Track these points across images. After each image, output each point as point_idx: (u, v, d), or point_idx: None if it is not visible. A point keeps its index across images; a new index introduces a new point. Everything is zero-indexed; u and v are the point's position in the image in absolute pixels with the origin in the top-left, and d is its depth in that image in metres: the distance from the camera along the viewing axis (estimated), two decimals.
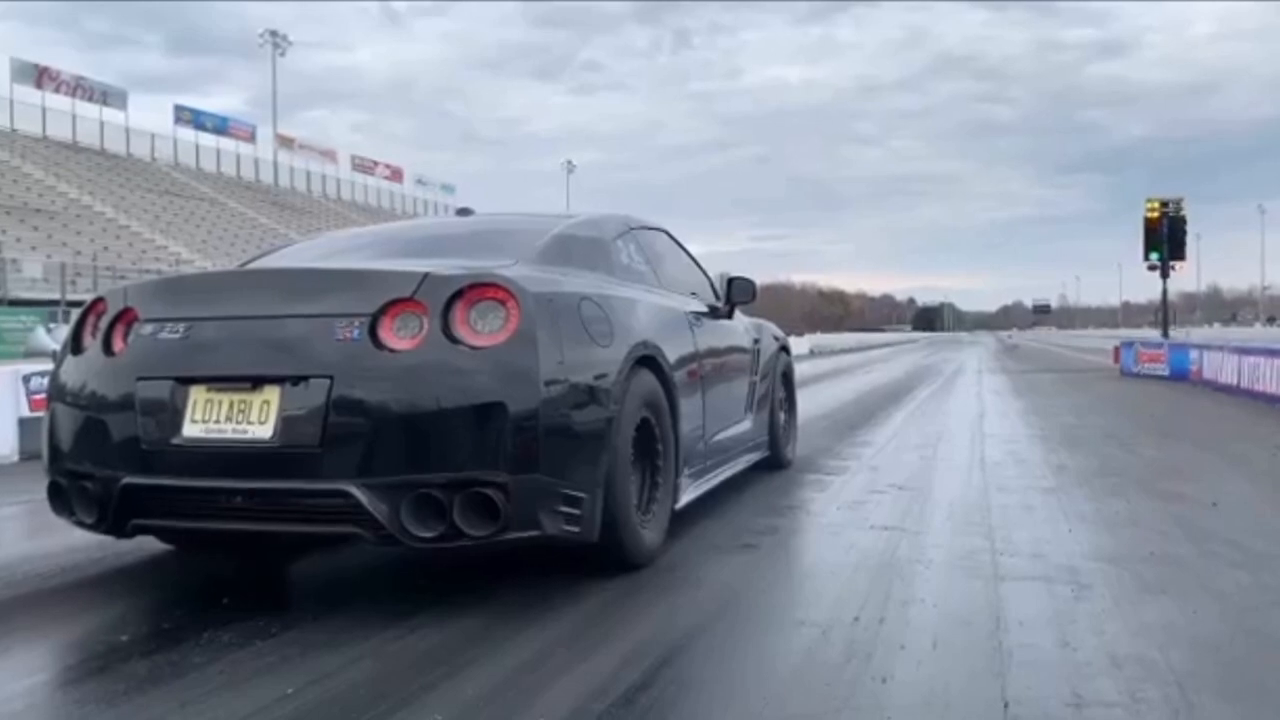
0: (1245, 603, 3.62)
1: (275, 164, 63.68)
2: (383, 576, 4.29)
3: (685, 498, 4.66)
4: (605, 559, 3.92)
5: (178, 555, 4.60)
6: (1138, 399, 14.34)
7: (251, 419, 3.39)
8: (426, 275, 3.52)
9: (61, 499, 3.83)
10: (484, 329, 3.46)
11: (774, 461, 6.89)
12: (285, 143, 64.37)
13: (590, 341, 3.75)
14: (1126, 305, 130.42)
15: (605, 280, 4.37)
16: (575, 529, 3.60)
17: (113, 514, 3.61)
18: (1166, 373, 18.13)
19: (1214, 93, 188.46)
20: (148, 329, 3.67)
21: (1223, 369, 15.00)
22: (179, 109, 60.06)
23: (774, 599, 3.90)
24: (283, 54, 63.28)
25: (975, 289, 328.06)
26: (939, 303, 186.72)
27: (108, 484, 3.58)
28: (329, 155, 65.69)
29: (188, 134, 59.69)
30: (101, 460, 3.63)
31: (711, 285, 6.11)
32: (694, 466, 4.87)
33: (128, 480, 3.54)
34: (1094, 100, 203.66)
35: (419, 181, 72.27)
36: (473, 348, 3.42)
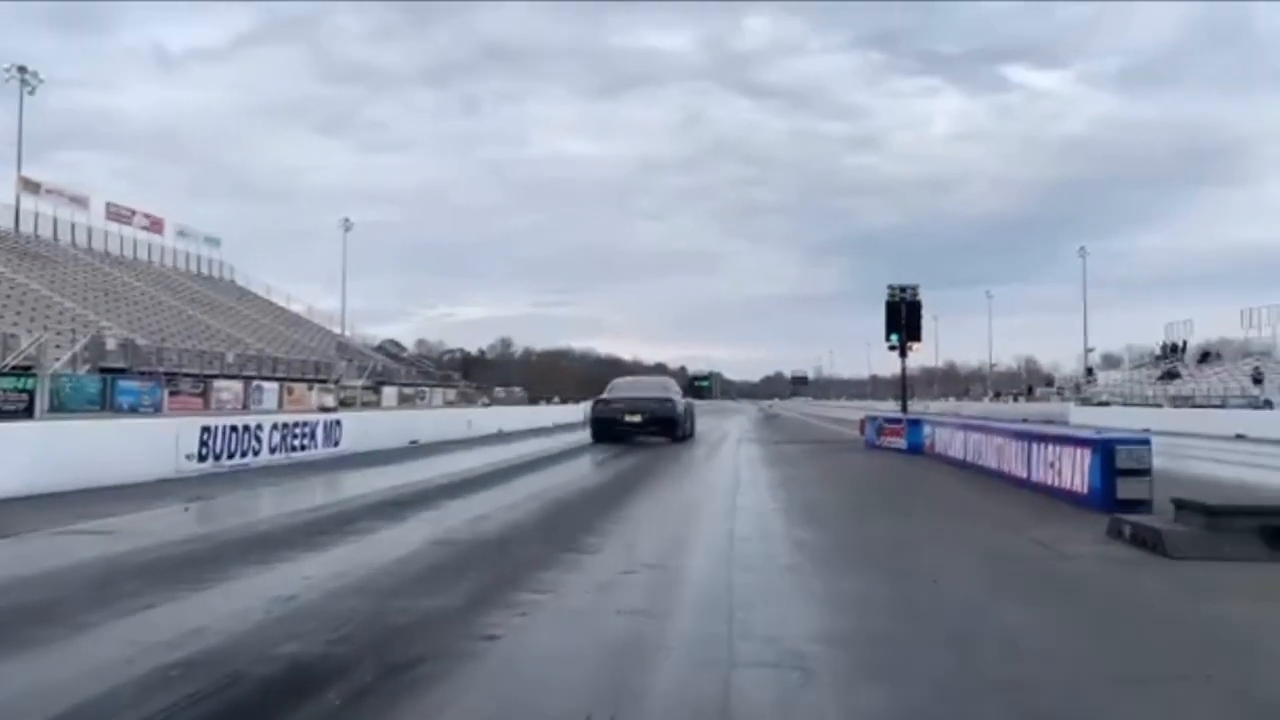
0: (955, 688, 3.84)
1: (17, 209, 58.25)
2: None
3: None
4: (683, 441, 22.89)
5: None
6: (876, 472, 15.27)
7: (634, 418, 22.26)
8: (667, 396, 23.36)
9: (593, 431, 23.54)
10: (677, 402, 23.50)
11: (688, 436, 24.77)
12: (30, 186, 59.06)
13: (683, 402, 24.69)
14: (874, 378, 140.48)
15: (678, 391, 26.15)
16: (685, 435, 23.46)
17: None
18: (905, 446, 19.48)
19: (951, 187, 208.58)
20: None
21: (952, 444, 16.29)
22: None
23: (504, 694, 3.78)
24: (31, 91, 58.36)
25: (741, 359, 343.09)
26: (708, 372, 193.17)
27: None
28: (80, 202, 60.76)
29: None
30: (606, 427, 22.64)
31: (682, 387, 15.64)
32: (688, 424, 24.68)
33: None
34: (848, 189, 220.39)
35: (181, 233, 67.87)
36: (674, 403, 22.97)
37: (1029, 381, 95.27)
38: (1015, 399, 66.51)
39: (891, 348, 23.52)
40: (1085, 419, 41.89)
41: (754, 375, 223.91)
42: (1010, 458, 12.70)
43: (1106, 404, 48.22)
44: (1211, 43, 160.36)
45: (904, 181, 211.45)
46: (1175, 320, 57.66)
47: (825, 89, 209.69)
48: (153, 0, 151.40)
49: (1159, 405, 42.45)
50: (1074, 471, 10.37)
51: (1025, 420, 46.31)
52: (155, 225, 65.25)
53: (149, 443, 14.34)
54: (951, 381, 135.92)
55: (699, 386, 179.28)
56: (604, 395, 23.58)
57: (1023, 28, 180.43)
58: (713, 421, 45.13)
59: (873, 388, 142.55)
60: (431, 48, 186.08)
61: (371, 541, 7.85)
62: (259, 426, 16.95)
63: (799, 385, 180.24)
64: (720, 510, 9.52)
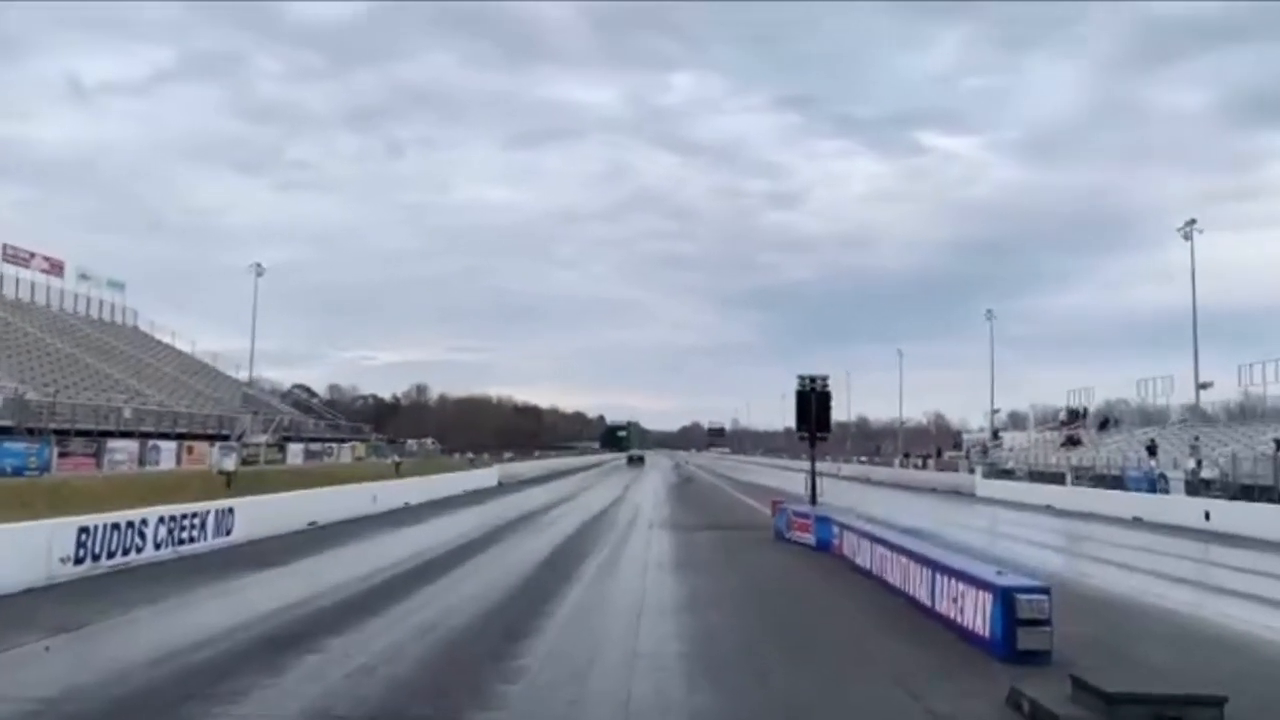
0: None
1: None
2: None
3: None
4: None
5: None
6: (784, 589, 14.99)
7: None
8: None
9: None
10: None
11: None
12: None
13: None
14: (789, 431, 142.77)
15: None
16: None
17: None
18: (813, 543, 19.38)
19: (866, 246, 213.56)
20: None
21: (859, 551, 16.20)
22: None
23: None
24: None
25: (659, 409, 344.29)
26: (626, 421, 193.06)
27: None
28: None
29: None
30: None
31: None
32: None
33: None
34: (768, 244, 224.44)
35: (82, 276, 65.30)
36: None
37: (938, 439, 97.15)
38: (924, 462, 67.53)
39: (801, 438, 23.59)
40: (992, 493, 42.65)
41: (672, 425, 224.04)
42: (915, 581, 12.61)
43: (1012, 473, 49.25)
44: (1108, 118, 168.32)
45: (821, 239, 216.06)
46: (1077, 387, 59.42)
47: (747, 147, 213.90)
48: (69, 31, 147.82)
49: (1061, 476, 43.45)
50: (976, 613, 10.28)
51: (934, 491, 47.10)
52: (55, 268, 62.69)
53: (17, 547, 13.37)
54: (864, 437, 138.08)
55: (618, 437, 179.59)
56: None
57: (934, 95, 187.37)
58: (625, 487, 44.77)
59: (787, 440, 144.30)
60: (354, 90, 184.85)
61: None
62: (143, 522, 16.07)
63: (716, 437, 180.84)
64: (618, 662, 9.11)
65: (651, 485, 51.33)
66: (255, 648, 9.61)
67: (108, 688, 8.04)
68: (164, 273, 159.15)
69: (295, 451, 50.59)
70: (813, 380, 22.63)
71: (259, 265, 66.57)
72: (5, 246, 60.07)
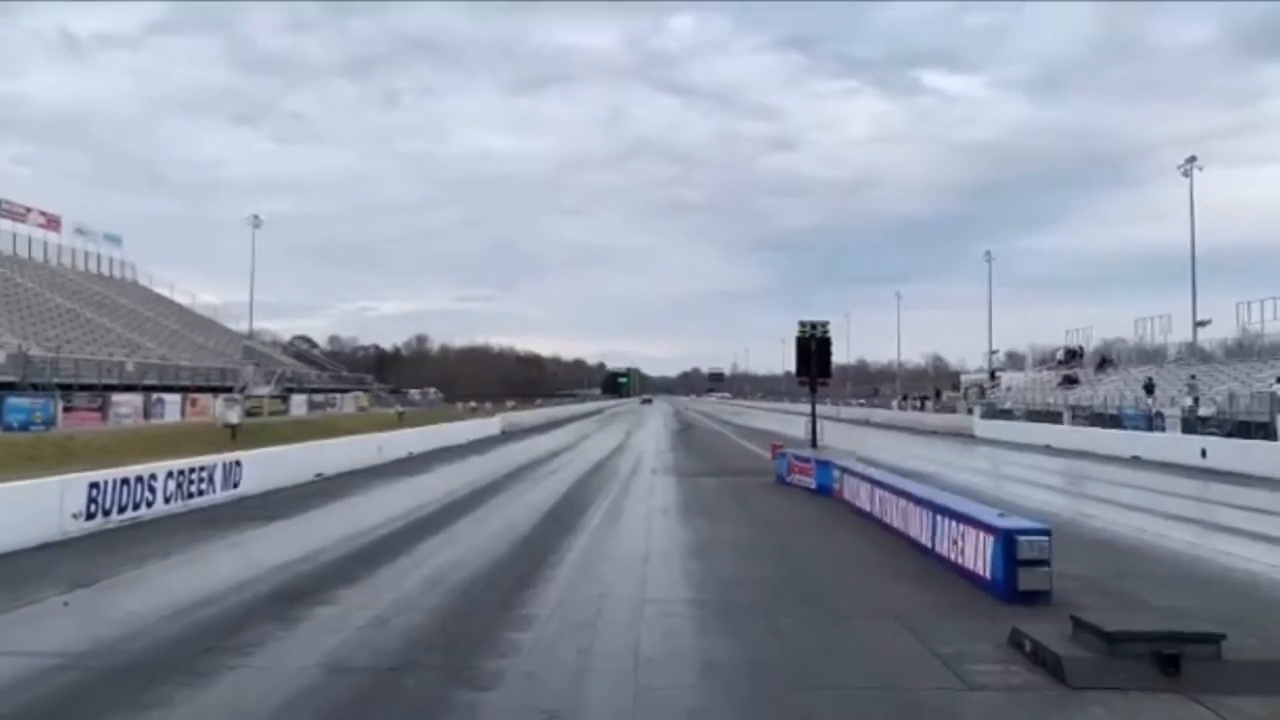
0: None
1: None
2: None
3: None
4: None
5: None
6: (790, 533, 15.16)
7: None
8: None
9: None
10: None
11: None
12: None
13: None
14: (789, 375, 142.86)
15: None
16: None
17: None
18: (814, 486, 19.56)
19: (866, 189, 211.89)
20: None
21: (859, 494, 16.35)
22: None
23: None
24: None
25: (660, 356, 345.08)
26: (626, 368, 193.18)
27: None
28: None
29: None
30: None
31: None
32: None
33: None
34: (768, 189, 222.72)
35: (79, 231, 64.91)
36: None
37: (936, 381, 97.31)
38: (922, 404, 67.79)
39: (802, 383, 23.65)
40: (990, 433, 42.88)
41: (672, 371, 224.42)
42: (916, 523, 12.74)
43: (1010, 413, 49.45)
44: (1111, 54, 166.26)
45: (822, 182, 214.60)
46: (1075, 327, 59.38)
47: (748, 89, 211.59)
48: None
49: (1059, 415, 43.64)
50: (977, 555, 10.41)
51: (933, 433, 47.33)
52: (51, 223, 62.35)
53: (30, 504, 13.47)
54: (864, 378, 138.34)
55: (619, 384, 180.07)
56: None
57: (937, 33, 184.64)
58: (627, 433, 44.99)
59: (787, 384, 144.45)
60: (351, 39, 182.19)
61: (258, 673, 7.39)
62: (153, 476, 16.17)
63: (715, 382, 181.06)
64: (626, 615, 9.21)
65: (653, 431, 51.58)
66: (268, 600, 9.74)
67: (126, 642, 8.17)
68: (163, 227, 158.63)
69: (298, 403, 50.82)
70: (813, 326, 22.65)
71: (257, 217, 66.22)
72: (1, 202, 59.67)
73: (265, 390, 49.25)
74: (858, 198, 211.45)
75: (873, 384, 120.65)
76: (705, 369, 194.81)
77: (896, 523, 13.75)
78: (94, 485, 14.73)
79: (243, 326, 67.94)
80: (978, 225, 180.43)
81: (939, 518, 11.83)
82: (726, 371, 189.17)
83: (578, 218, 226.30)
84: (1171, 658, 7.02)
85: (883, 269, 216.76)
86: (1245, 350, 40.78)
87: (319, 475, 22.29)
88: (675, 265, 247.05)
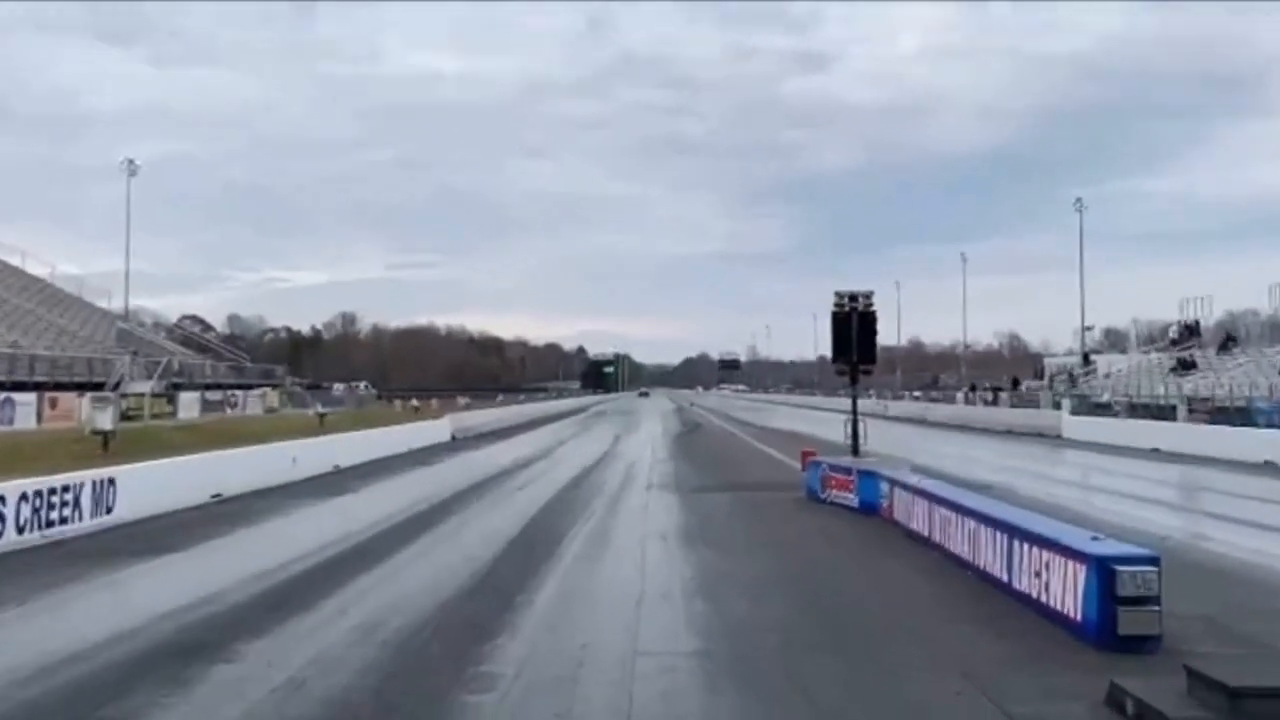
0: None
1: None
2: None
3: None
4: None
5: None
6: (822, 558, 15.24)
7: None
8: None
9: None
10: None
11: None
12: None
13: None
14: (823, 360, 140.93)
15: None
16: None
17: None
18: (855, 503, 19.65)
19: (920, 118, 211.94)
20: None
21: (914, 513, 16.44)
22: None
23: None
24: None
25: (656, 337, 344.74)
26: (613, 355, 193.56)
27: None
28: None
29: None
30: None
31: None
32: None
33: None
34: (793, 120, 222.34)
35: None
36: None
37: (1013, 367, 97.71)
38: (995, 396, 68.02)
39: (839, 371, 23.66)
40: (1083, 434, 43.05)
41: (672, 356, 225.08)
42: (986, 550, 12.82)
43: (1108, 408, 49.68)
44: None
45: (862, 111, 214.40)
46: (1191, 296, 59.21)
47: None
48: None
49: (1172, 410, 43.88)
50: (1065, 589, 10.48)
51: (1009, 434, 47.52)
52: None
53: None
54: (918, 363, 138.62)
55: (604, 375, 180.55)
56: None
57: None
58: (614, 439, 45.03)
59: (820, 372, 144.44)
60: None
61: None
62: (0, 499, 16.15)
63: (728, 371, 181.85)
64: (616, 660, 9.28)
65: (648, 434, 51.73)
66: (153, 657, 9.76)
67: None
68: (9, 176, 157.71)
69: (189, 402, 50.72)
70: (853, 298, 22.61)
71: (131, 162, 65.90)
72: None
73: (146, 387, 49.20)
74: (908, 130, 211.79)
75: (931, 372, 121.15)
76: (715, 355, 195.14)
77: (961, 549, 13.84)
78: None
79: (116, 305, 67.77)
80: (1064, 164, 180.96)
81: (1016, 542, 11.91)
82: (742, 357, 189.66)
83: (546, 160, 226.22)
84: None
85: (942, 223, 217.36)
86: None
87: (217, 496, 22.30)
88: (673, 220, 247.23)
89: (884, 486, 18.64)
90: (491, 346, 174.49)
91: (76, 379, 46.76)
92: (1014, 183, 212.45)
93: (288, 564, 14.81)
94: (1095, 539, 10.89)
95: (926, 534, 15.63)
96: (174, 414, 47.80)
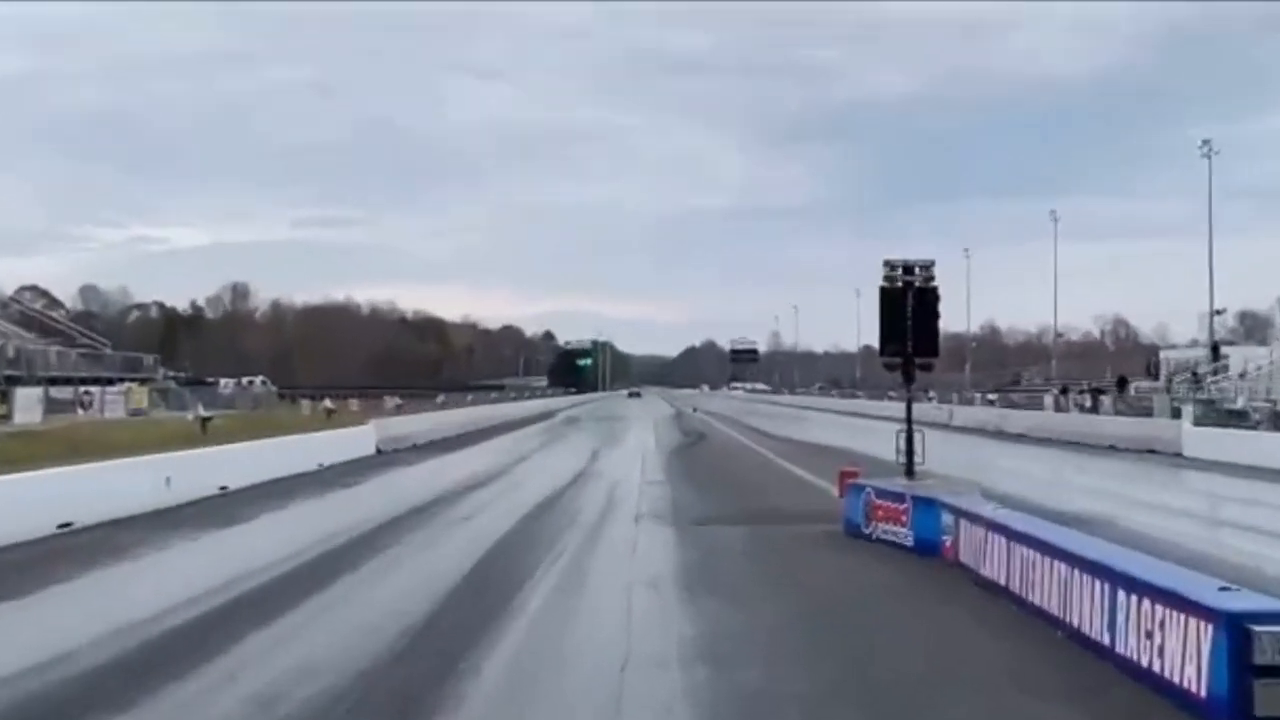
0: None
1: None
2: None
3: None
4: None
5: None
6: (864, 613, 15.24)
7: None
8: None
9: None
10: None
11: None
12: None
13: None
14: (868, 352, 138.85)
15: None
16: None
17: None
18: (909, 541, 19.62)
19: (996, 33, 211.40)
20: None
21: (985, 554, 16.42)
22: None
23: None
24: None
25: (648, 320, 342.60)
26: (591, 342, 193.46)
27: None
28: None
29: None
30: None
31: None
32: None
33: None
34: (827, 32, 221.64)
35: None
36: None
37: (1118, 361, 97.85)
38: (1095, 400, 68.09)
39: (890, 367, 23.56)
40: (1210, 451, 43.04)
41: (669, 346, 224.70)
42: (1082, 602, 12.85)
43: (1244, 416, 49.72)
44: None
45: (920, 21, 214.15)
46: None
47: None
48: None
49: None
50: (1184, 655, 10.51)
51: (1113, 450, 47.60)
52: None
53: None
54: (994, 357, 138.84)
55: (578, 368, 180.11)
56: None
57: None
58: (592, 453, 45.00)
59: (864, 368, 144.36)
60: None
61: None
62: None
63: (743, 365, 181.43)
64: None
65: (635, 446, 51.78)
66: None
67: None
68: None
69: (28, 401, 50.64)
70: (908, 270, 22.55)
71: None
72: None
73: None
74: (983, 48, 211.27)
75: (1010, 368, 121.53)
76: (726, 343, 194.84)
77: (1049, 601, 13.86)
78: None
79: None
80: (1184, 96, 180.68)
81: (1121, 592, 11.92)
82: (761, 346, 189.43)
83: (503, 82, 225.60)
84: None
85: (1026, 172, 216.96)
86: None
87: (66, 526, 22.27)
88: (672, 165, 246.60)
89: (947, 519, 18.65)
90: (430, 330, 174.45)
91: None
92: (1122, 120, 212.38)
93: (160, 616, 14.79)
94: (1225, 590, 10.92)
95: (1002, 581, 15.64)
96: (8, 417, 47.71)
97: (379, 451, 45.90)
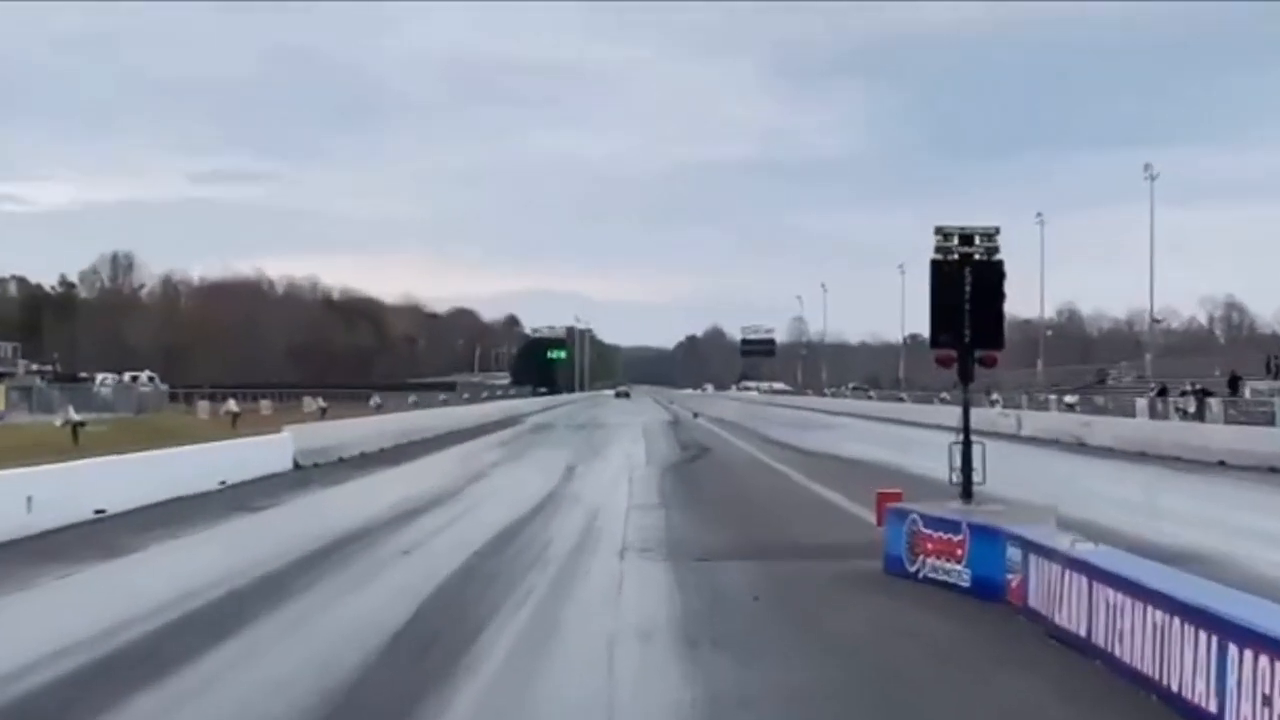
0: None
1: None
2: None
3: None
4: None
5: None
6: (907, 673, 15.23)
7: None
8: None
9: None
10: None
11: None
12: None
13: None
14: (916, 345, 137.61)
15: None
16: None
17: None
18: (966, 580, 19.59)
19: None
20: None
21: (1062, 599, 16.39)
22: None
23: None
24: None
25: (638, 301, 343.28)
26: (566, 329, 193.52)
27: None
28: None
29: None
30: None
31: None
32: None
33: None
34: None
35: None
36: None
37: (1231, 356, 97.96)
38: (1201, 405, 68.24)
39: (942, 360, 23.44)
40: None
41: (663, 336, 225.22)
42: (1183, 659, 12.85)
43: None
44: None
45: None
46: None
47: None
48: None
49: None
50: None
51: (1221, 467, 47.68)
52: None
53: None
54: (1075, 350, 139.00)
55: (549, 361, 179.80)
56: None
57: None
58: (567, 469, 45.07)
59: (910, 362, 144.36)
60: None
61: None
62: None
63: (757, 358, 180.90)
64: None
65: (622, 461, 51.86)
66: None
67: None
68: None
69: None
70: (965, 239, 22.53)
71: None
72: None
73: None
74: None
75: (1095, 364, 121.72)
76: (735, 331, 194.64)
77: (1141, 658, 13.85)
78: None
79: None
80: None
81: (1232, 646, 11.92)
82: (780, 336, 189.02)
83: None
84: None
85: (1112, 117, 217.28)
86: None
87: None
88: (673, 107, 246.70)
89: (1013, 553, 18.65)
90: (362, 314, 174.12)
91: None
92: (1231, 59, 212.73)
93: (16, 675, 14.77)
94: None
95: (1083, 632, 15.64)
96: None
97: (297, 466, 45.98)
